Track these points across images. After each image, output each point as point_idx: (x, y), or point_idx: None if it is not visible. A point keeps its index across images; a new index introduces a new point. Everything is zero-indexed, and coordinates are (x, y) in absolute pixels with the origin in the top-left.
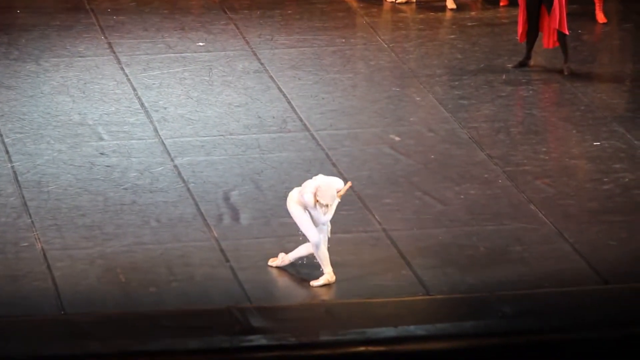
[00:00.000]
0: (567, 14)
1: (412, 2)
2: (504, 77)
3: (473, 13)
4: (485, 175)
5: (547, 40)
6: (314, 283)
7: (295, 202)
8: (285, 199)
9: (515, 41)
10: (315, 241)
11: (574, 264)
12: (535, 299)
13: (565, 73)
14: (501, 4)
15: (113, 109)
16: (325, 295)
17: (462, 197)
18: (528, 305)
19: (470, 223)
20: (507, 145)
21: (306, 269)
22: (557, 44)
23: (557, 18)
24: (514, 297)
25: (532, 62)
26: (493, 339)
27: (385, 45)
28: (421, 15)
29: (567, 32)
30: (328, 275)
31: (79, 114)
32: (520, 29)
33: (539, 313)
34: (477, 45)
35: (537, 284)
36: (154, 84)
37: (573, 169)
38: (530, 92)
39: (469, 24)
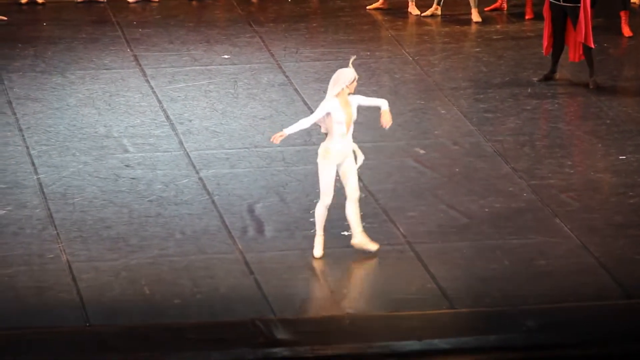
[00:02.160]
0: (593, 28)
1: (438, 15)
2: (529, 90)
3: (498, 26)
4: (510, 189)
5: (573, 54)
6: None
7: (321, 156)
8: (310, 212)
9: (541, 54)
10: (326, 203)
11: (598, 278)
12: (559, 313)
13: (591, 87)
14: (526, 17)
15: (138, 121)
16: (350, 308)
17: (486, 210)
18: (552, 320)
19: (495, 236)
20: (532, 158)
21: (332, 280)
22: (582, 58)
23: (582, 31)
24: (538, 311)
25: (557, 76)
26: (517, 353)
27: (410, 58)
28: (446, 29)
29: (592, 46)
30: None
31: (105, 126)
32: (545, 42)
33: (562, 327)
34: (502, 59)
35: (562, 298)
36: (179, 96)
37: (598, 183)
38: (556, 105)
39: (494, 37)
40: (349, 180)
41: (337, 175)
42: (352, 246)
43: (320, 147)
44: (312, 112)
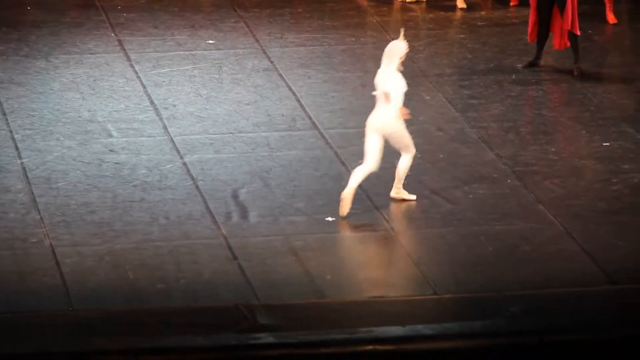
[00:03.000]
0: (578, 15)
1: (422, 2)
2: (513, 77)
3: (483, 13)
4: (494, 175)
5: (558, 41)
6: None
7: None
8: (294, 198)
9: (525, 41)
10: (366, 168)
11: (582, 264)
12: (543, 299)
13: (575, 74)
14: (511, 3)
15: (122, 106)
16: (333, 294)
17: (470, 196)
18: (536, 305)
19: (479, 223)
20: (516, 145)
21: (316, 265)
22: (567, 45)
23: (569, 19)
24: (522, 297)
25: (542, 62)
26: (501, 338)
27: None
28: (431, 15)
29: (578, 33)
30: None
31: (89, 110)
32: (530, 28)
33: (546, 313)
34: (486, 45)
35: (545, 284)
36: (163, 81)
37: (582, 169)
38: (540, 92)
39: (479, 23)
40: (400, 143)
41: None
42: (332, 231)
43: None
44: (296, 97)
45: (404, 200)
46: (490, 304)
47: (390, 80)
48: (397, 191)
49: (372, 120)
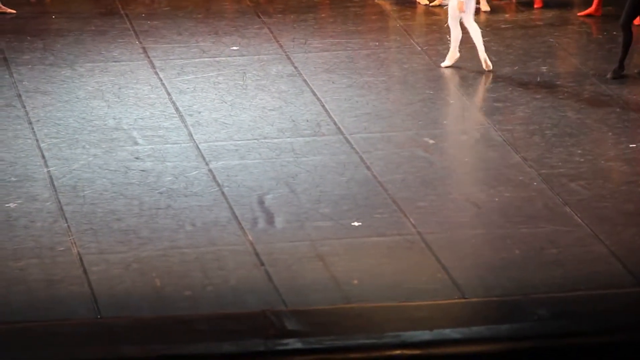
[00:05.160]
0: (602, 16)
1: (446, 5)
2: (538, 79)
3: (507, 15)
4: (520, 178)
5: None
6: (443, 64)
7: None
8: (319, 203)
9: (550, 43)
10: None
11: (609, 266)
12: (570, 302)
13: (609, 77)
14: (535, 6)
15: (148, 113)
16: (360, 299)
17: (496, 199)
18: (563, 308)
19: (505, 226)
20: (541, 147)
21: (342, 271)
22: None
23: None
24: (549, 300)
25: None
26: (528, 342)
27: (419, 48)
28: None
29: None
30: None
31: (114, 118)
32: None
33: (574, 316)
34: (511, 48)
35: (573, 287)
36: (188, 88)
37: (608, 171)
38: (565, 94)
39: (503, 26)
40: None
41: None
42: (358, 236)
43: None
44: (320, 102)
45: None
46: (518, 307)
47: None
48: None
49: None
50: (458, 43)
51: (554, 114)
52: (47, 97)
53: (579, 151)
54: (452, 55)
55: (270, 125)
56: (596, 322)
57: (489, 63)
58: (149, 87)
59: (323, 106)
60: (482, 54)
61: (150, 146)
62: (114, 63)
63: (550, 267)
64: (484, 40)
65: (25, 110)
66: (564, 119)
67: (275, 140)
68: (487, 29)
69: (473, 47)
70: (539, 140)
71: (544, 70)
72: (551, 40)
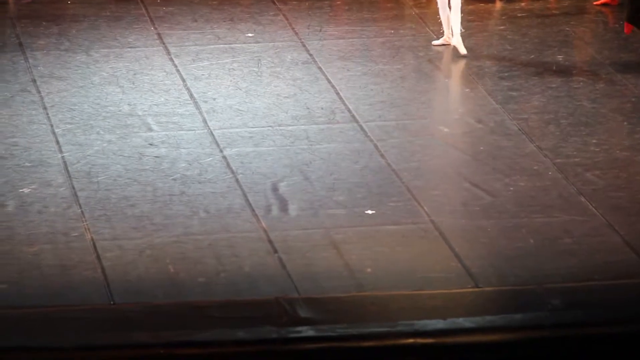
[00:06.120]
0: (618, 5)
1: None
2: (554, 68)
3: (523, 4)
4: (535, 167)
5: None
6: (434, 42)
7: None
8: (334, 191)
9: (566, 32)
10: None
11: (624, 256)
12: (585, 292)
13: None
14: None
15: (162, 99)
16: (373, 287)
17: (511, 188)
18: (578, 298)
19: (520, 215)
20: (557, 137)
21: (356, 259)
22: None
23: None
24: (564, 289)
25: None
26: (542, 331)
27: (435, 37)
28: (470, 6)
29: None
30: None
31: (129, 104)
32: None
33: (588, 306)
34: (526, 37)
35: (587, 277)
36: (203, 74)
37: (624, 161)
38: (581, 83)
39: (519, 15)
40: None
41: None
42: (372, 224)
43: None
44: (335, 90)
45: (457, 50)
46: (532, 297)
47: None
48: (454, 40)
49: None
50: (449, 23)
51: (569, 103)
52: (62, 82)
53: (594, 140)
54: (446, 36)
55: (284, 113)
56: (610, 312)
57: (462, 48)
58: (164, 73)
59: (338, 94)
60: (457, 37)
61: (164, 132)
62: (129, 49)
63: (564, 257)
64: (500, 29)
65: (40, 96)
66: (579, 108)
67: (290, 128)
68: (503, 17)
69: (489, 35)
70: (554, 130)
71: (560, 59)
72: (567, 29)
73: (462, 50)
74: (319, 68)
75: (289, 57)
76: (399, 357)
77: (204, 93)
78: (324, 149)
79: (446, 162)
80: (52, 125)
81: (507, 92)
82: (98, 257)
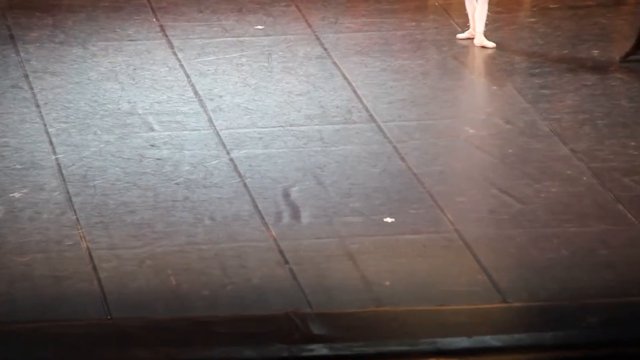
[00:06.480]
0: None
1: None
2: (589, 64)
3: None
4: (568, 172)
5: None
6: (459, 35)
7: None
8: (349, 197)
9: (602, 25)
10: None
11: None
12: (622, 308)
13: None
14: None
15: (165, 97)
16: (392, 302)
17: (542, 195)
18: (615, 315)
19: (552, 224)
20: (592, 139)
21: (373, 271)
22: None
23: None
24: (600, 305)
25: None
26: (576, 351)
27: (460, 30)
28: None
29: None
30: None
31: (128, 102)
32: None
33: (627, 323)
34: (559, 30)
35: (625, 292)
36: (208, 70)
37: None
38: (618, 81)
39: (551, 6)
40: None
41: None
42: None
43: None
44: (352, 87)
45: (484, 47)
46: (565, 313)
47: None
48: (477, 39)
49: None
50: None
51: (605, 102)
52: (57, 78)
53: (633, 143)
54: (472, 29)
55: (297, 112)
56: None
57: (488, 43)
58: (167, 68)
59: (354, 91)
60: (479, 37)
61: (167, 133)
62: (129, 42)
63: (600, 270)
64: (530, 21)
65: (33, 92)
66: (616, 108)
67: (302, 128)
68: (534, 9)
69: (519, 28)
70: (589, 131)
71: (595, 54)
72: (603, 21)
73: (489, 44)
74: (334, 63)
75: (302, 51)
76: None
77: (210, 90)
78: (339, 151)
79: (472, 165)
80: (45, 125)
81: (538, 90)
82: (94, 267)
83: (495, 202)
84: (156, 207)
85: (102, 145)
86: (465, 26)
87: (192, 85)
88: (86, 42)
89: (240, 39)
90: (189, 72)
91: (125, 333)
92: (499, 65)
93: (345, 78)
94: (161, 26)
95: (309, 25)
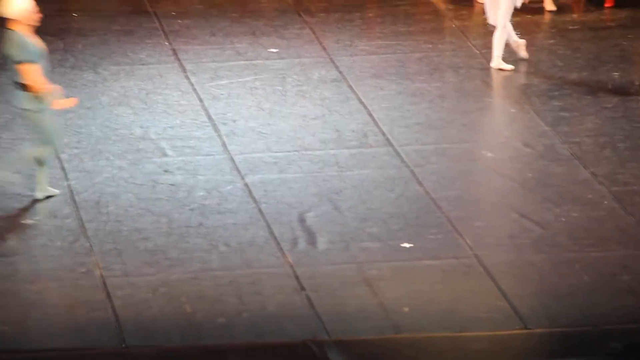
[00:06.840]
0: None
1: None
2: (609, 86)
3: (575, 15)
4: (589, 196)
5: None
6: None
7: None
8: (366, 222)
9: (622, 47)
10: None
11: None
12: None
13: None
14: (606, 5)
15: (178, 121)
16: (411, 328)
17: (563, 219)
18: (638, 341)
19: (573, 249)
20: (613, 162)
21: (391, 297)
22: None
23: None
24: (622, 331)
25: None
26: None
27: (477, 52)
28: (517, 18)
29: None
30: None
31: (141, 127)
32: None
33: None
34: (579, 52)
35: None
36: (222, 94)
37: None
38: (639, 103)
39: (570, 27)
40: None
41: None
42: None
43: None
44: (367, 110)
45: (502, 70)
46: (587, 340)
47: None
48: (494, 62)
49: None
50: (512, 35)
51: (626, 125)
52: None
53: None
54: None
55: (312, 136)
56: None
57: (504, 66)
58: (179, 92)
59: (370, 115)
60: (497, 60)
61: (180, 158)
62: (141, 66)
63: (622, 295)
64: (549, 43)
65: None
66: (637, 131)
67: (318, 152)
68: (553, 30)
69: (538, 50)
70: (610, 154)
71: (616, 76)
72: (624, 43)
73: (507, 67)
74: (350, 86)
75: (317, 74)
76: None
77: (224, 114)
78: (355, 176)
79: (490, 190)
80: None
81: (558, 113)
82: (108, 295)
83: (515, 226)
84: (170, 234)
85: (114, 171)
86: (482, 48)
87: (206, 110)
88: (97, 66)
89: (254, 62)
90: (202, 96)
91: None
92: (518, 88)
93: (361, 101)
94: (173, 50)
95: (324, 48)
